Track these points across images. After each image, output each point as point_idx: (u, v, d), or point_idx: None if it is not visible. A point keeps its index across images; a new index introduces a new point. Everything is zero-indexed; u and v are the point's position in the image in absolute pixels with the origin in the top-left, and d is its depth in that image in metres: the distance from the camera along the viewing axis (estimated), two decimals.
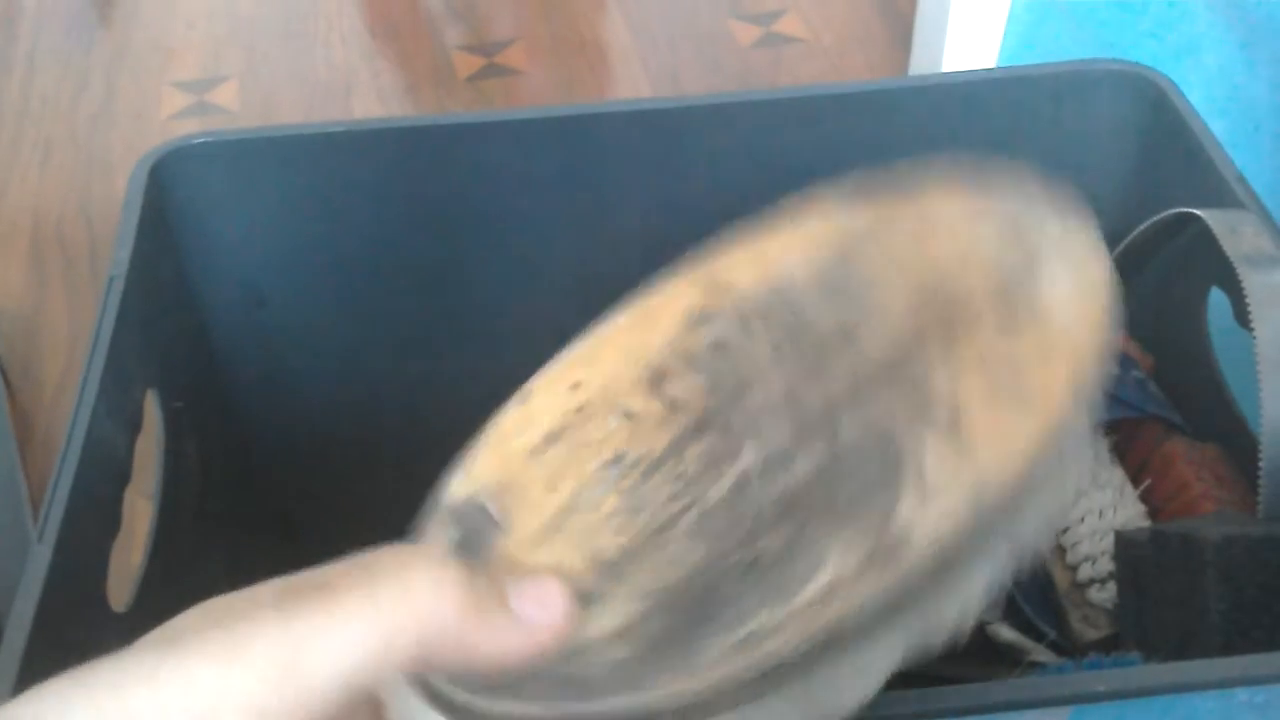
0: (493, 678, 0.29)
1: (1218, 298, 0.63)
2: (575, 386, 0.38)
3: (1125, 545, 0.59)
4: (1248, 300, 0.55)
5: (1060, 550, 0.63)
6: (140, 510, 0.56)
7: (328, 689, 0.26)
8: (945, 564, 0.27)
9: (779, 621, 0.28)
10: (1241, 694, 0.43)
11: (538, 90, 1.58)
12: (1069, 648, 0.61)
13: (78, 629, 0.48)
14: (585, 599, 0.31)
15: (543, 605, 0.30)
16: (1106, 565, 0.61)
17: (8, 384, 1.22)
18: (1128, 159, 0.69)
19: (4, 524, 1.06)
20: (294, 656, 0.26)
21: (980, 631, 0.62)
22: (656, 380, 0.37)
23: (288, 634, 0.26)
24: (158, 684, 0.25)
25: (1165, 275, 0.69)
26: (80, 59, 1.66)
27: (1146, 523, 0.62)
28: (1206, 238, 0.59)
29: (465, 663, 0.28)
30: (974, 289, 0.35)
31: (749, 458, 0.33)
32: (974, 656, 0.62)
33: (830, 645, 0.26)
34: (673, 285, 0.41)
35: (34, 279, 1.34)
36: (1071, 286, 0.35)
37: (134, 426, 0.56)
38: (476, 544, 0.34)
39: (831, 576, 0.28)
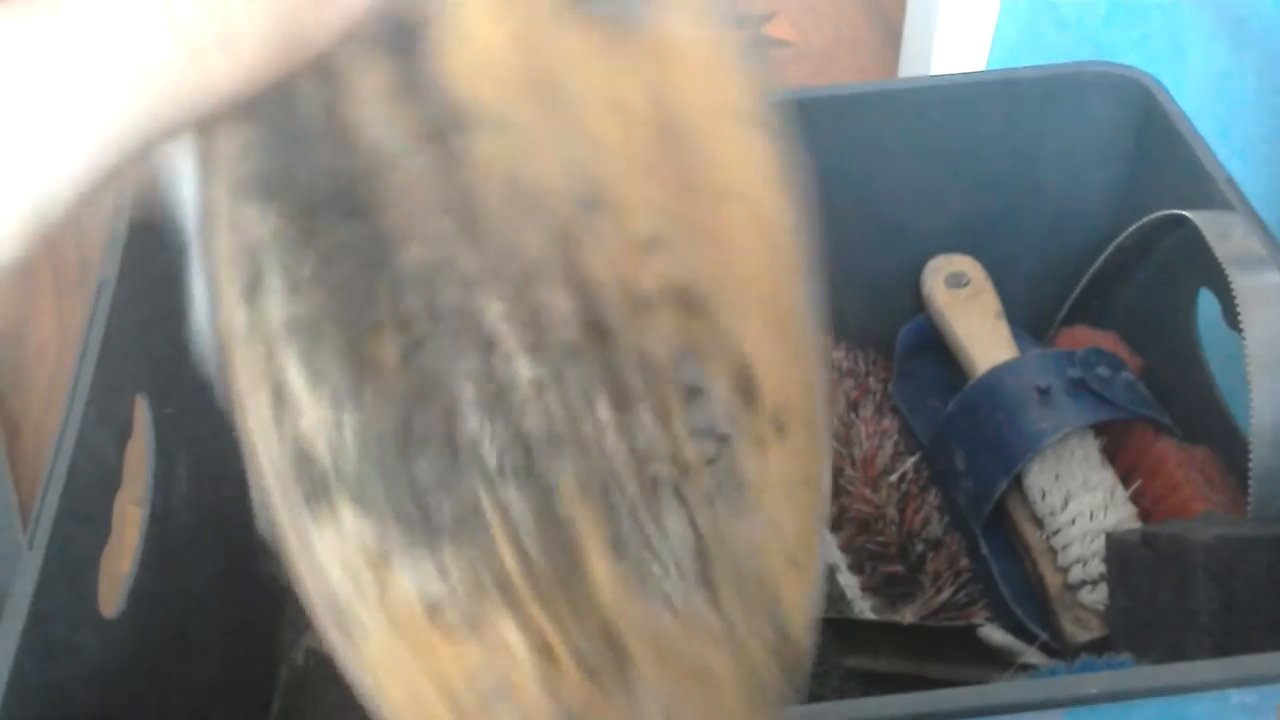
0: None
1: (1207, 299, 0.63)
2: None
3: (1116, 547, 0.59)
4: (1237, 302, 0.55)
5: (1051, 552, 0.64)
6: (131, 517, 0.56)
7: None
8: None
9: None
10: (1233, 695, 0.43)
11: None
12: (1061, 650, 0.62)
13: (69, 637, 0.48)
14: None
15: None
16: (1098, 567, 0.61)
17: None
18: (1117, 161, 0.70)
19: None
20: None
21: (972, 634, 0.62)
22: None
23: None
24: None
25: (1154, 277, 0.69)
26: None
27: (1137, 524, 0.63)
28: (1196, 239, 0.59)
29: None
30: None
31: None
32: (965, 659, 0.62)
33: None
34: None
35: (22, 285, 1.34)
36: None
37: (124, 433, 0.55)
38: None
39: None
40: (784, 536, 0.27)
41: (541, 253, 0.24)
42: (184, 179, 0.23)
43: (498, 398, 0.24)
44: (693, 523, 0.26)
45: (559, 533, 0.25)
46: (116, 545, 0.53)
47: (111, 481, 0.54)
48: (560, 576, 0.25)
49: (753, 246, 0.26)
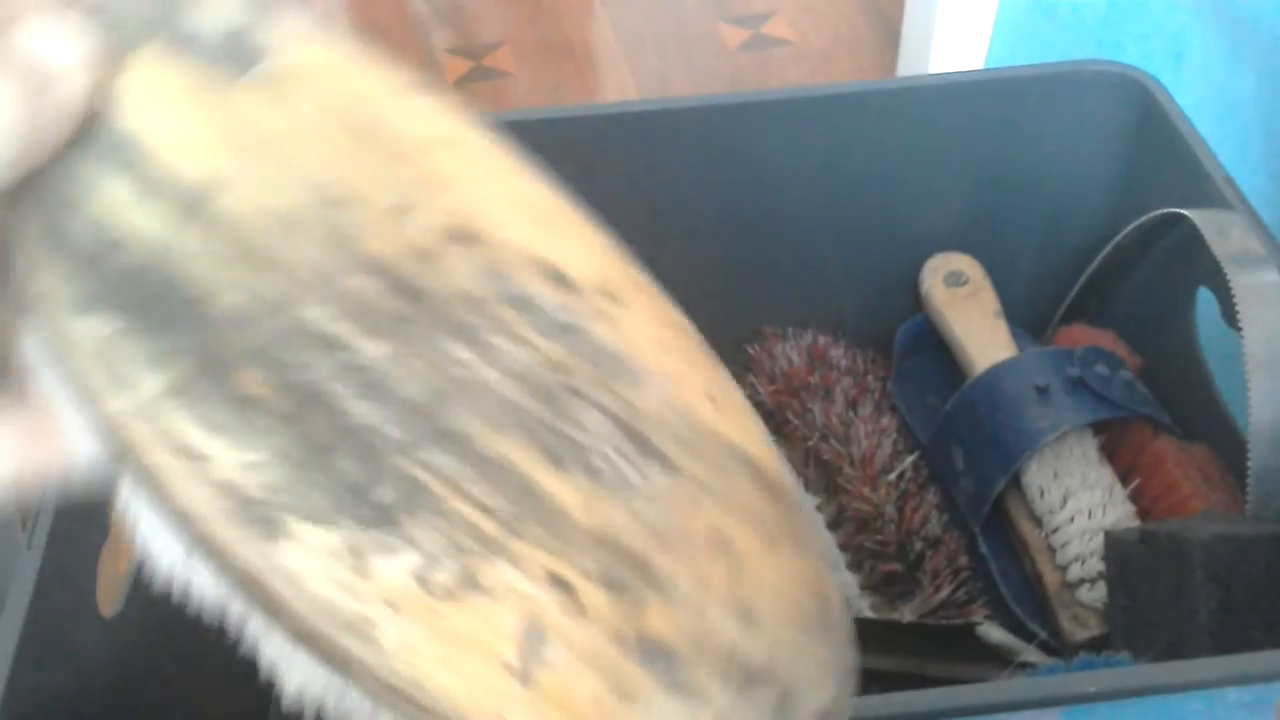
0: None
1: (1205, 298, 0.63)
2: None
3: (1115, 545, 0.59)
4: (1235, 301, 0.55)
5: (1050, 550, 0.64)
6: None
7: None
8: None
9: None
10: (1231, 694, 0.43)
11: (525, 93, 1.58)
12: (1059, 648, 0.62)
13: (68, 637, 0.48)
14: None
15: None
16: (1096, 565, 0.61)
17: None
18: (1115, 160, 0.70)
19: None
20: None
21: (970, 632, 0.62)
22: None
23: None
24: None
25: (1153, 276, 0.69)
26: None
27: (1136, 523, 0.63)
28: (1194, 238, 0.59)
29: None
30: None
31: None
32: (964, 658, 0.63)
33: None
34: None
35: None
36: None
37: None
38: None
39: None
40: (688, 381, 0.29)
41: (325, 257, 0.27)
42: (35, 348, 0.26)
43: (369, 382, 0.26)
44: (601, 408, 0.28)
45: (496, 470, 0.26)
46: (116, 545, 0.53)
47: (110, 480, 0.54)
48: (522, 507, 0.26)
49: (477, 171, 0.30)
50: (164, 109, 0.27)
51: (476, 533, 0.26)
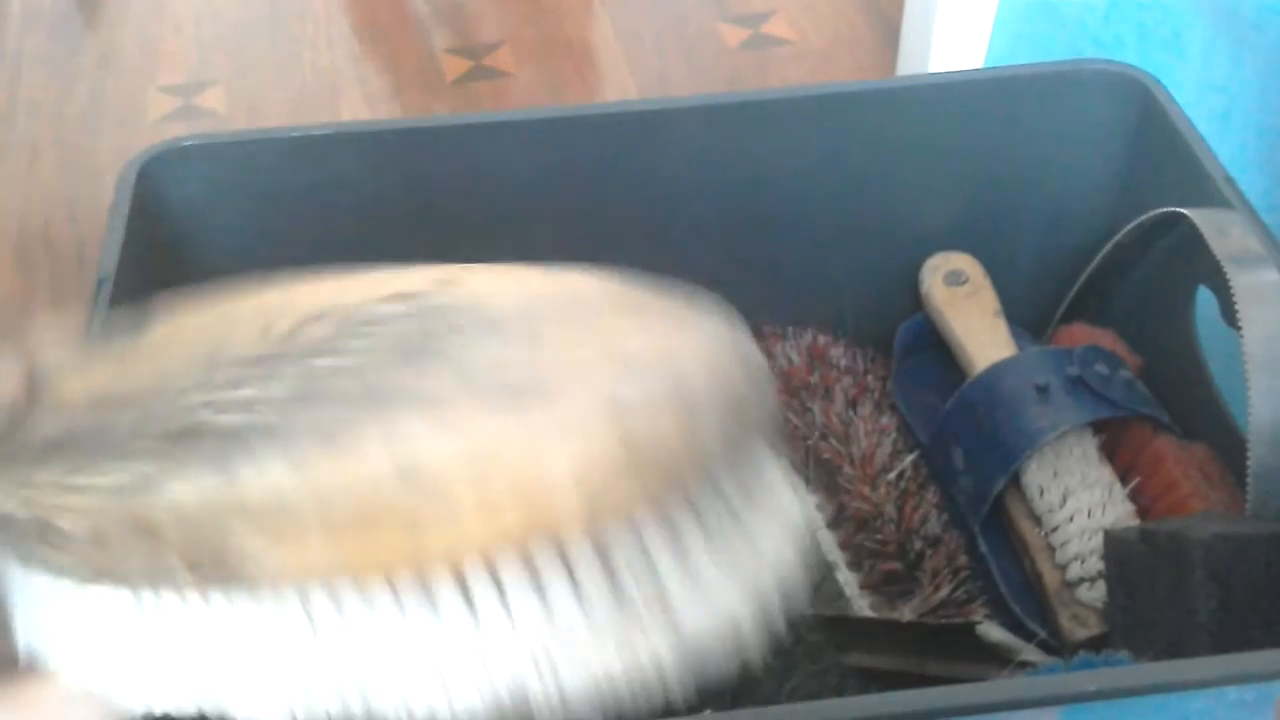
0: None
1: (1205, 297, 0.63)
2: None
3: (1114, 544, 0.59)
4: (1235, 300, 0.56)
5: (1050, 550, 0.64)
6: None
7: None
8: None
9: None
10: (1231, 692, 0.43)
11: (525, 93, 1.58)
12: (1059, 647, 0.62)
13: None
14: None
15: None
16: (1096, 564, 0.61)
17: None
18: (1115, 159, 0.70)
19: None
20: None
21: (970, 632, 0.62)
22: None
23: None
24: None
25: (1153, 275, 0.69)
26: (66, 62, 1.65)
27: (1135, 522, 0.63)
28: (1194, 237, 0.59)
29: None
30: None
31: None
32: (964, 657, 0.63)
33: None
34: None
35: (20, 282, 1.34)
36: None
37: None
38: None
39: None
40: (535, 291, 0.36)
41: (203, 372, 0.35)
42: None
43: (235, 404, 0.33)
44: (457, 329, 0.34)
45: (365, 394, 0.32)
46: None
47: None
48: (392, 399, 0.32)
49: (311, 290, 0.38)
50: (71, 368, 0.38)
51: (348, 427, 0.31)
